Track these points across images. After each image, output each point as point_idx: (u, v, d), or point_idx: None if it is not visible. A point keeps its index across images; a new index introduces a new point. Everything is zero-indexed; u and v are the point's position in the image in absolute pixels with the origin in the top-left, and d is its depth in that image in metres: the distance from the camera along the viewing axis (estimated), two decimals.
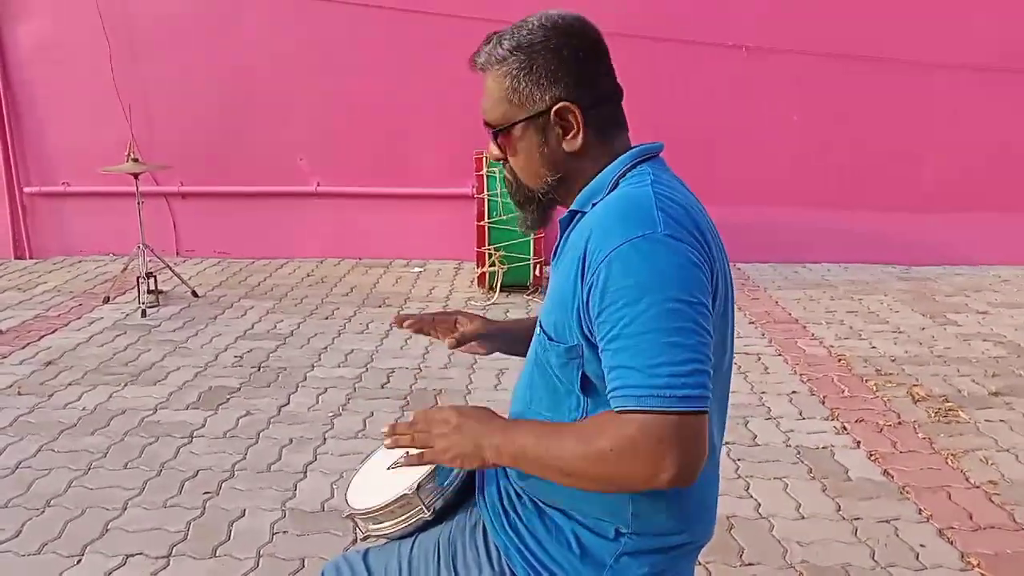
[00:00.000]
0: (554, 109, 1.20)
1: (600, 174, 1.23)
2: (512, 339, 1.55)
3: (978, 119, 5.87)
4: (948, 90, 5.83)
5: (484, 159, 5.13)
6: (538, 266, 5.19)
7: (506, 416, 1.27)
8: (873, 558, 2.46)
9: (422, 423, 1.26)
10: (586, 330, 1.13)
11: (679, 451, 1.02)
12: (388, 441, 1.28)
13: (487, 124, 1.26)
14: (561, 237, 1.27)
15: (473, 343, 1.54)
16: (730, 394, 1.36)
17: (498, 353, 1.59)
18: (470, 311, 1.61)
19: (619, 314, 1.05)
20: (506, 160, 1.29)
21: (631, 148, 1.27)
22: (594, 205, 1.20)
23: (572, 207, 1.25)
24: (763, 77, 5.83)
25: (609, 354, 1.07)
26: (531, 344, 1.32)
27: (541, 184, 1.26)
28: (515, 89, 1.21)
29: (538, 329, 1.25)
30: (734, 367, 4.30)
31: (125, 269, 5.30)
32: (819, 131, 5.94)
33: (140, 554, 2.45)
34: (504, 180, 1.35)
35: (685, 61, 5.82)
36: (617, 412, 1.05)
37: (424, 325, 1.55)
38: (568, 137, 1.22)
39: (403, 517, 1.33)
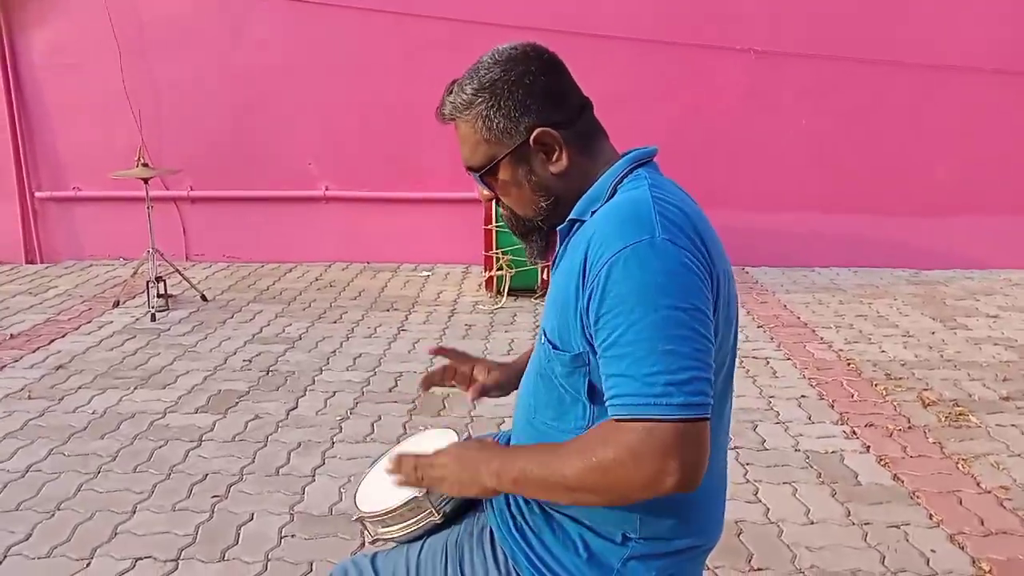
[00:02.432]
0: (532, 136, 1.21)
1: (597, 182, 1.23)
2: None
3: (987, 122, 5.84)
4: (958, 93, 5.80)
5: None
6: (545, 270, 5.19)
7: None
8: (883, 563, 2.44)
9: (425, 463, 1.27)
10: (588, 336, 1.13)
11: (681, 457, 1.02)
12: (393, 474, 1.29)
13: (471, 170, 1.27)
14: (561, 246, 1.27)
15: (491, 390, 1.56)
16: (738, 398, 1.36)
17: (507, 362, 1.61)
18: (487, 360, 1.60)
19: (616, 321, 1.06)
20: (499, 199, 1.30)
21: (622, 154, 1.27)
22: (593, 213, 1.20)
23: (571, 216, 1.24)
24: (772, 81, 5.82)
25: (607, 361, 1.08)
26: (533, 354, 1.31)
27: (538, 212, 1.27)
28: (489, 128, 1.22)
29: (541, 338, 1.25)
30: (742, 371, 4.25)
31: (135, 273, 5.32)
32: (828, 135, 5.92)
33: (149, 557, 2.46)
34: (503, 217, 1.35)
35: (694, 65, 5.81)
36: (616, 420, 1.06)
37: (444, 376, 1.57)
38: (553, 160, 1.23)
39: (412, 520, 1.33)
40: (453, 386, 1.59)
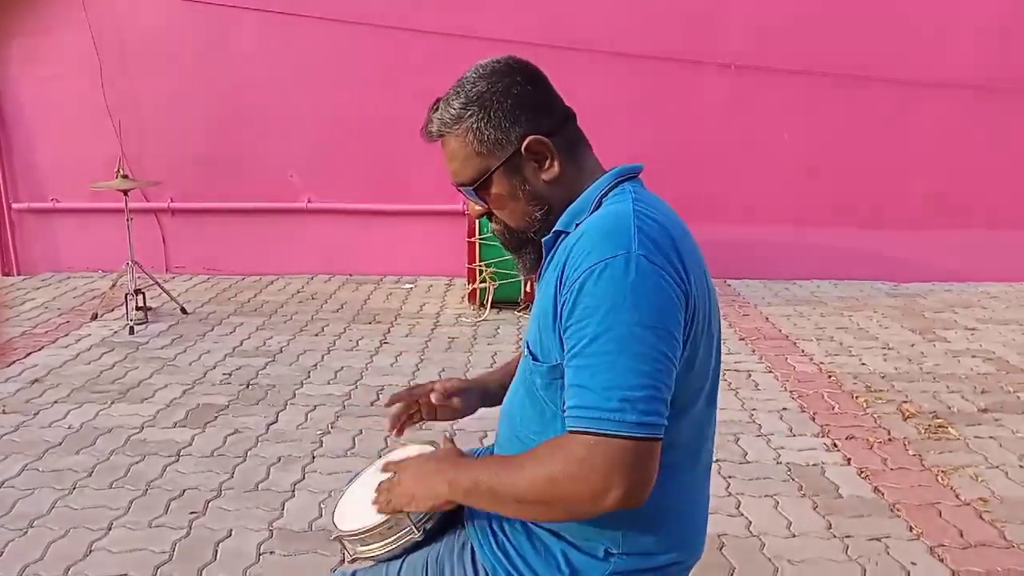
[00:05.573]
0: (524, 145, 1.21)
1: (583, 194, 1.24)
2: (489, 392, 1.57)
3: (966, 137, 5.92)
4: (935, 108, 5.88)
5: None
6: (528, 283, 5.19)
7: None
8: None
9: (386, 488, 1.30)
10: (563, 346, 1.13)
11: (627, 474, 1.03)
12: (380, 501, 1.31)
13: (463, 185, 1.26)
14: (545, 258, 1.27)
15: (454, 399, 1.54)
16: (720, 411, 1.35)
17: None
18: (448, 381, 1.57)
19: (582, 332, 1.06)
20: (491, 214, 1.30)
21: (608, 168, 1.28)
22: (577, 225, 1.20)
23: (556, 227, 1.25)
24: (753, 95, 5.87)
25: (570, 371, 1.08)
26: (519, 366, 1.31)
27: (531, 223, 1.27)
28: (481, 140, 1.21)
29: (524, 350, 1.25)
30: (724, 384, 4.25)
31: (114, 286, 5.27)
32: (809, 149, 5.98)
33: (124, 575, 2.41)
34: (495, 232, 1.35)
35: (675, 79, 5.85)
36: (569, 432, 1.06)
37: (410, 402, 1.55)
38: (545, 168, 1.23)
39: (393, 539, 1.32)
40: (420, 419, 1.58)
